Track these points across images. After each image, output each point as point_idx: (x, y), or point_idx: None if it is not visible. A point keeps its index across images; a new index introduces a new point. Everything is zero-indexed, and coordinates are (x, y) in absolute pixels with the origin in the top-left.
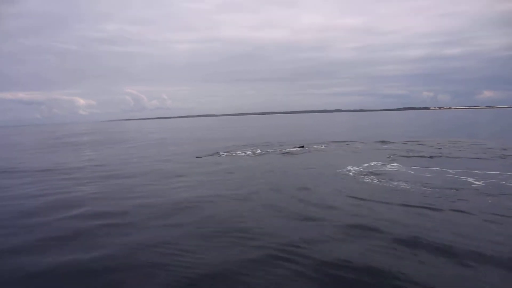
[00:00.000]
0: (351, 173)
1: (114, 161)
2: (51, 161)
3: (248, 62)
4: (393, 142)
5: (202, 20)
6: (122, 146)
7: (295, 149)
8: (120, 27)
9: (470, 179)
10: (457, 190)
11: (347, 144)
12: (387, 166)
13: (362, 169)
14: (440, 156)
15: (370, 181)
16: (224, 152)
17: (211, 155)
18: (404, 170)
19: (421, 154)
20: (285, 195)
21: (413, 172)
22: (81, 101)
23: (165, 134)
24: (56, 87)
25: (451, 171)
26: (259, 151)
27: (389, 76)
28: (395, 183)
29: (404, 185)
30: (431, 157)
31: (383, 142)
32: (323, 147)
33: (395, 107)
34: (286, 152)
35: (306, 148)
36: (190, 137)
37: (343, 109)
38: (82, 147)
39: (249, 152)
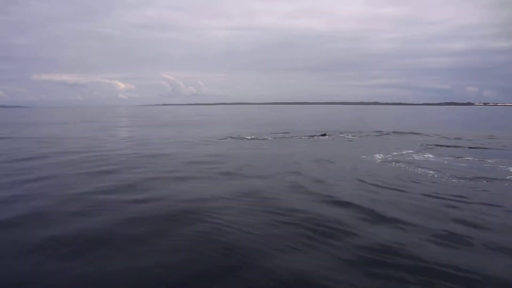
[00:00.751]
0: (378, 161)
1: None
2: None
3: (284, 51)
4: (429, 135)
5: (240, 7)
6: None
7: (318, 137)
8: (159, 13)
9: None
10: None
11: (379, 135)
12: (417, 155)
13: (390, 157)
14: (480, 148)
15: (395, 168)
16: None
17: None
18: (435, 159)
19: (459, 145)
20: (303, 176)
21: (446, 162)
22: (121, 85)
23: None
24: (97, 70)
25: (490, 161)
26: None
27: (431, 69)
28: (422, 170)
29: (431, 173)
30: (469, 147)
31: (418, 134)
32: (350, 136)
33: (436, 102)
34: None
35: (329, 136)
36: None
37: (380, 101)
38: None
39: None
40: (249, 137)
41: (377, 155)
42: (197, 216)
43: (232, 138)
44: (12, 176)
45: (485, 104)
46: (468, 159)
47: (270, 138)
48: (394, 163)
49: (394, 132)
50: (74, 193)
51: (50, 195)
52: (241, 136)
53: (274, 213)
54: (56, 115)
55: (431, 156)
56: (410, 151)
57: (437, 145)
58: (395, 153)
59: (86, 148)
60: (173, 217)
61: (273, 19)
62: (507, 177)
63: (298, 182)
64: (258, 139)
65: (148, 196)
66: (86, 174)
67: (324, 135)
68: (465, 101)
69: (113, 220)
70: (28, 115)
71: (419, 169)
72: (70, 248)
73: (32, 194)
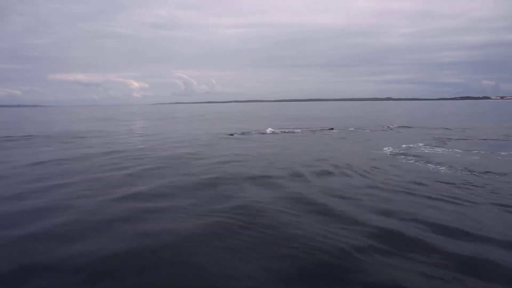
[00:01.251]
0: (387, 154)
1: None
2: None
3: (297, 47)
4: (442, 128)
5: (251, 4)
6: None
7: (326, 130)
8: (171, 12)
9: None
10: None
11: (389, 129)
12: (427, 148)
13: (399, 151)
14: (496, 140)
15: (404, 162)
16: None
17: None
18: (447, 152)
19: (473, 138)
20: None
21: (458, 155)
22: (135, 84)
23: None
24: (112, 69)
25: (503, 153)
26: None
27: (446, 63)
28: (432, 165)
29: (439, 168)
30: (484, 139)
31: (429, 128)
32: (358, 130)
33: (452, 96)
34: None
35: (335, 130)
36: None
37: (394, 97)
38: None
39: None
40: (287, 130)
41: (386, 148)
42: None
43: (276, 132)
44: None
45: (502, 98)
46: (482, 153)
47: (299, 131)
48: (401, 157)
49: (404, 127)
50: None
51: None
52: (284, 130)
53: None
54: (93, 114)
55: (442, 148)
56: (419, 144)
57: (448, 139)
58: (404, 146)
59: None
60: None
61: (285, 16)
62: None
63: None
64: (292, 132)
65: None
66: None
67: (332, 129)
68: (482, 95)
69: None
70: (64, 115)
71: (428, 164)
72: None
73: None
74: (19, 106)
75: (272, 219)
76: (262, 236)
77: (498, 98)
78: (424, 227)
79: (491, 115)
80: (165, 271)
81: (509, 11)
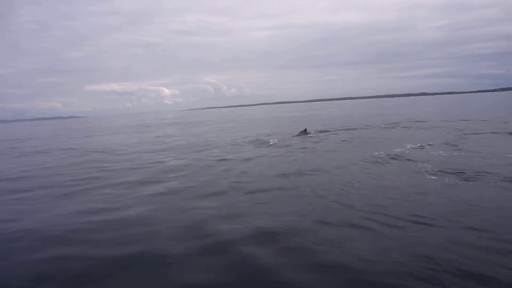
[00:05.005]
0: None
1: None
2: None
3: (326, 46)
4: (470, 120)
5: (277, 6)
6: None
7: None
8: (198, 18)
9: None
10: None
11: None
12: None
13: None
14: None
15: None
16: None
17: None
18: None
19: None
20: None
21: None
22: (166, 91)
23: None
24: (143, 78)
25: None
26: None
27: (484, 55)
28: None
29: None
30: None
31: (454, 121)
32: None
33: (491, 88)
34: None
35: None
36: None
37: (428, 92)
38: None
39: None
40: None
41: (405, 145)
42: None
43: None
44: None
45: None
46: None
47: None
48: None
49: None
50: None
51: None
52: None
53: None
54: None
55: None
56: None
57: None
58: (396, 151)
59: None
60: None
61: (312, 15)
62: None
63: None
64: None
65: None
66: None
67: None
68: None
69: None
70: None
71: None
72: None
73: None
74: (59, 118)
75: None
76: None
77: None
78: None
79: None
80: None
81: None
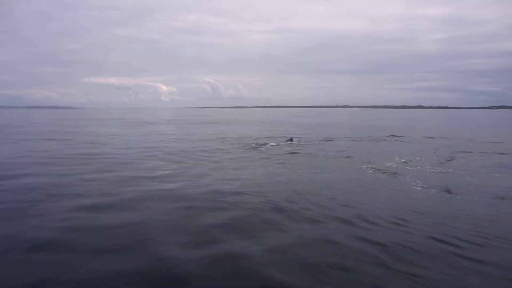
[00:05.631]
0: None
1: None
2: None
3: (324, 53)
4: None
5: (279, 10)
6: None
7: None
8: (199, 18)
9: None
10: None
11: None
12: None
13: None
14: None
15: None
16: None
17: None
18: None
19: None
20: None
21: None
22: (164, 88)
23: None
24: (142, 73)
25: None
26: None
27: (480, 71)
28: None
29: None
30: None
31: (430, 138)
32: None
33: (486, 105)
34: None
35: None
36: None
37: (425, 105)
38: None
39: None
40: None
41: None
42: None
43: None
44: None
45: None
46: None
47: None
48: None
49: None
50: None
51: None
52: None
53: None
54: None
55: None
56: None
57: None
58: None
59: None
60: None
61: (312, 21)
62: None
63: None
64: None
65: None
66: None
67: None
68: None
69: None
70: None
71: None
72: None
73: None
74: (54, 107)
75: None
76: None
77: None
78: None
79: None
80: None
81: None
